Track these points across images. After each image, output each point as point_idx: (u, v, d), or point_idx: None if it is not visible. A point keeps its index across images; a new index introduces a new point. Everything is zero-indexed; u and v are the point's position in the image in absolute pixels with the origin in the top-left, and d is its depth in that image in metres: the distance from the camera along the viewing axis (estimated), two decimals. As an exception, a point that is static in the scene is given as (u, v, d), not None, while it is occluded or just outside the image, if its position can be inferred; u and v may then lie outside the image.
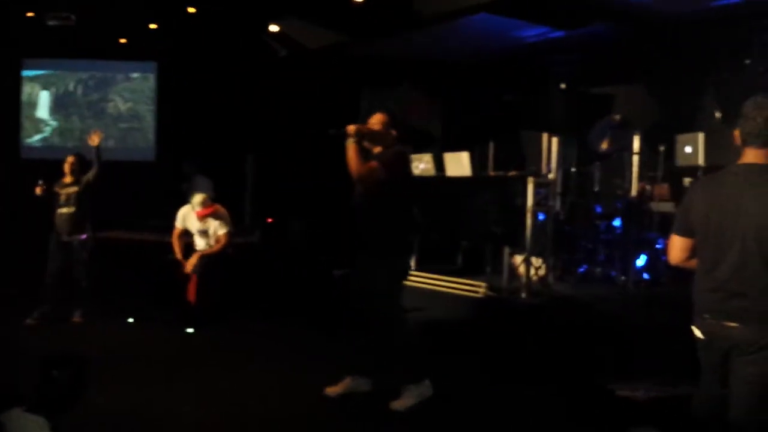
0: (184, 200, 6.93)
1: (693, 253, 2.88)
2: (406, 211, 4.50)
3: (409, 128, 9.85)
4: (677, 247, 2.93)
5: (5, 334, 6.06)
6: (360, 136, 4.27)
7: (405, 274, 4.62)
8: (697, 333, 2.84)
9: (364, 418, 4.27)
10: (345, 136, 4.24)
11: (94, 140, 6.62)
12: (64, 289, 6.67)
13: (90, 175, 6.64)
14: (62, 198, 6.63)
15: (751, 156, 2.72)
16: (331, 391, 4.52)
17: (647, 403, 3.84)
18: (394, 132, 4.46)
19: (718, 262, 2.72)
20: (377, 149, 4.43)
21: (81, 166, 6.69)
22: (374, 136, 4.39)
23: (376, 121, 4.46)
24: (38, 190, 6.56)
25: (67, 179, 6.69)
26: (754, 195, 2.65)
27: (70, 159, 6.74)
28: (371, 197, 4.36)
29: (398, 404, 4.33)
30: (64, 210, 6.61)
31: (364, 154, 4.32)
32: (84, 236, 6.64)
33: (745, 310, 2.66)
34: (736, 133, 2.77)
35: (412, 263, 7.40)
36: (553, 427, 4.18)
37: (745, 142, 2.73)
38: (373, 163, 4.29)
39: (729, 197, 2.71)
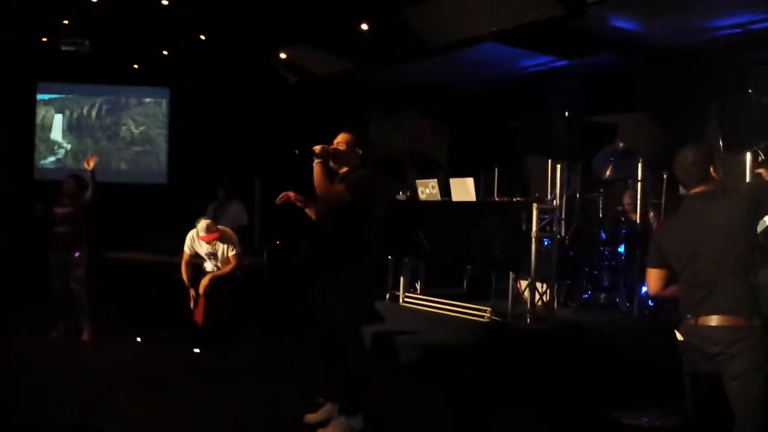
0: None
1: (668, 282, 3.36)
2: (368, 233, 4.42)
3: (417, 154, 9.99)
4: (654, 278, 3.42)
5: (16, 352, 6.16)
6: (326, 157, 4.26)
7: (361, 298, 4.54)
8: (679, 336, 3.28)
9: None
10: (311, 156, 4.23)
11: (90, 164, 6.91)
12: (72, 306, 6.84)
13: (85, 196, 6.90)
14: (58, 218, 6.85)
15: (697, 190, 3.29)
16: (311, 418, 4.48)
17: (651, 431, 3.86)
18: (359, 152, 4.46)
19: (691, 272, 3.19)
20: (343, 169, 4.42)
21: (78, 187, 6.92)
22: (340, 157, 4.37)
23: (341, 140, 4.42)
24: (38, 210, 6.82)
25: (66, 200, 6.92)
26: (706, 211, 3.20)
27: (67, 180, 7.05)
28: (333, 219, 4.33)
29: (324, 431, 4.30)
30: (59, 229, 6.87)
31: (330, 174, 4.31)
32: (77, 254, 6.84)
33: (714, 307, 3.09)
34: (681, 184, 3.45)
35: (418, 286, 7.49)
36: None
37: (687, 186, 3.35)
38: (340, 187, 4.29)
39: (689, 220, 3.27)
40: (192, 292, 6.71)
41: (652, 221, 6.84)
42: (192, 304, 6.70)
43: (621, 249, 6.76)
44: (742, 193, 3.28)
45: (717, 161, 3.32)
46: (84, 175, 6.97)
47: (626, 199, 7.21)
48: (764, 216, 3.71)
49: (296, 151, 4.31)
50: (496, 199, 7.20)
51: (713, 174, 3.27)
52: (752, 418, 3.02)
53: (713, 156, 3.33)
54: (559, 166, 7.43)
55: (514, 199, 6.58)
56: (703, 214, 3.21)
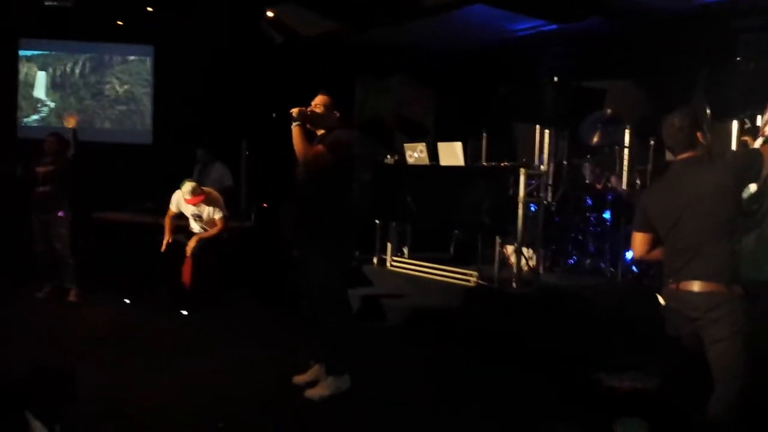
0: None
1: (652, 246, 3.43)
2: (348, 196, 4.44)
3: (404, 118, 9.94)
4: (639, 242, 3.46)
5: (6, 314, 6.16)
6: (303, 119, 4.26)
7: (344, 260, 4.53)
8: (661, 300, 3.34)
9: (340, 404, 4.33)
10: (289, 118, 4.23)
11: (71, 122, 6.79)
12: (57, 266, 6.81)
13: (67, 155, 6.86)
14: (40, 177, 6.78)
15: (684, 155, 3.32)
16: (300, 379, 4.56)
17: (633, 393, 3.94)
18: (337, 114, 4.46)
19: (675, 237, 3.25)
20: (320, 131, 4.42)
21: (59, 146, 6.86)
22: (317, 119, 4.37)
23: (318, 102, 4.43)
24: (18, 171, 6.74)
25: (47, 159, 6.82)
26: (692, 177, 3.24)
27: (49, 139, 6.92)
28: (314, 181, 4.32)
29: (313, 392, 4.35)
30: (41, 189, 6.79)
31: (308, 136, 4.31)
32: (61, 213, 6.79)
33: (696, 272, 3.15)
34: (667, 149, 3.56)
35: (405, 250, 7.53)
36: (539, 416, 4.28)
37: (674, 151, 3.38)
38: (319, 147, 4.27)
39: (675, 185, 3.29)
40: (167, 238, 6.73)
41: (613, 184, 6.90)
42: (163, 248, 6.72)
43: (606, 215, 6.82)
44: (728, 160, 3.31)
45: (704, 127, 3.35)
46: (66, 134, 6.88)
47: (587, 171, 7.26)
48: (749, 184, 3.78)
49: (273, 114, 4.27)
50: (484, 164, 7.20)
51: (700, 140, 3.29)
52: (731, 381, 3.09)
53: (700, 122, 3.36)
54: (547, 131, 7.45)
55: (502, 164, 6.59)
56: (688, 180, 3.24)
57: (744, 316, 3.11)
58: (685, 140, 3.29)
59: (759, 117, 5.79)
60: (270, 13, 9.13)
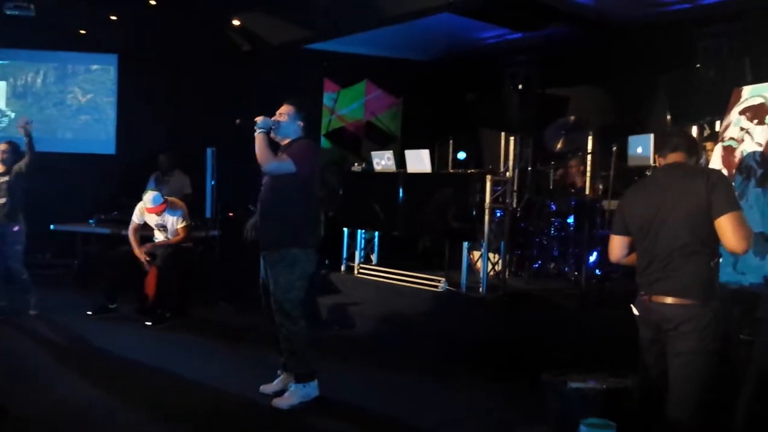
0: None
1: (630, 249, 3.30)
2: (312, 204, 4.44)
3: (371, 125, 9.96)
4: (616, 245, 3.37)
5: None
6: (268, 127, 4.28)
7: (307, 269, 4.45)
8: (634, 310, 3.27)
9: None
10: (253, 127, 4.25)
11: (21, 129, 6.30)
12: (13, 283, 6.57)
13: (21, 164, 6.45)
14: None
15: (671, 158, 3.26)
16: (267, 388, 4.53)
17: (598, 394, 3.97)
18: (301, 123, 4.47)
19: (652, 247, 3.15)
20: (285, 141, 4.43)
21: (14, 154, 6.48)
22: (281, 128, 4.38)
23: (283, 111, 4.44)
24: None
25: (2, 169, 6.49)
26: (676, 185, 3.13)
27: (1, 147, 6.52)
28: (278, 189, 4.32)
29: (281, 401, 4.33)
30: None
31: (273, 145, 4.33)
32: (16, 228, 6.46)
33: (670, 287, 3.07)
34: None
35: (373, 257, 7.53)
36: (506, 417, 4.31)
37: (663, 151, 3.31)
38: (283, 156, 4.29)
39: (657, 192, 3.19)
40: (143, 256, 6.62)
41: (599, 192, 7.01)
42: (146, 267, 6.62)
43: (570, 220, 6.90)
44: (713, 178, 3.08)
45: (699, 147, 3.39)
46: (20, 142, 6.50)
47: (573, 163, 7.36)
48: None
49: (237, 121, 4.28)
50: (451, 170, 7.25)
51: (689, 149, 3.24)
52: (684, 397, 3.05)
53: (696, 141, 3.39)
54: (512, 138, 7.52)
55: (469, 171, 6.64)
56: (669, 188, 3.13)
57: (713, 334, 3.03)
58: (672, 143, 3.24)
59: (718, 123, 5.94)
60: (236, 21, 9.10)
